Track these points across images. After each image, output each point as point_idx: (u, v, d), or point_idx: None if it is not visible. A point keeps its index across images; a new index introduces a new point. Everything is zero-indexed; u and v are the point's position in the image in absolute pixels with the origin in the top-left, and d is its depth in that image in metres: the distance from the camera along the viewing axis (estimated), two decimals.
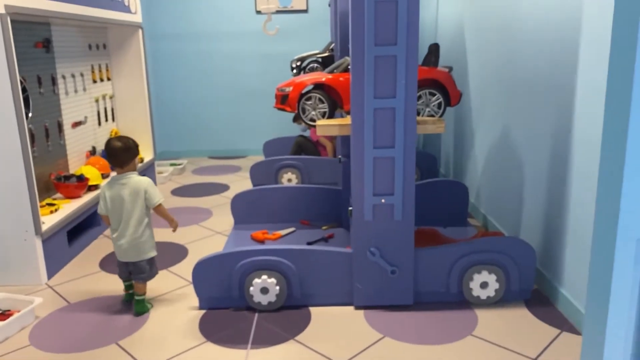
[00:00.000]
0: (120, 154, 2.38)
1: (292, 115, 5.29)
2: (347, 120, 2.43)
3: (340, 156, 3.40)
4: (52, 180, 3.33)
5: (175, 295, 2.64)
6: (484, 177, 3.54)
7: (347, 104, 2.58)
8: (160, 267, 2.88)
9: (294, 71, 4.60)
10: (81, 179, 3.41)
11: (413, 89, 2.19)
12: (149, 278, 2.48)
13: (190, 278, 2.79)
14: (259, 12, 5.61)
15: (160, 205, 2.44)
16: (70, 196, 3.34)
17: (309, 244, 3.15)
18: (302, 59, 4.57)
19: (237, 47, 5.74)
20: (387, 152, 2.25)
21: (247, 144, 5.97)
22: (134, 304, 2.47)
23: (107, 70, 4.35)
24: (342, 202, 3.43)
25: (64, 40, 3.65)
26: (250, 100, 5.89)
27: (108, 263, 3.05)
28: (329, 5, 5.25)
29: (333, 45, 4.50)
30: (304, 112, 2.60)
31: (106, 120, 4.32)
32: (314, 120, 2.60)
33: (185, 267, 2.96)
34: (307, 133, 5.10)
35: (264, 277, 2.39)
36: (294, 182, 4.36)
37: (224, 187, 4.64)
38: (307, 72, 4.51)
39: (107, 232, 3.57)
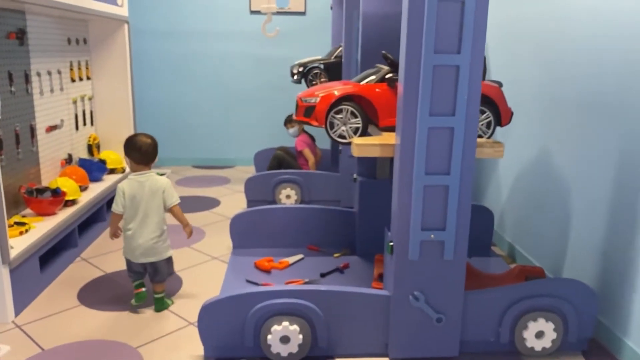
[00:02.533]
0: (152, 150, 2.39)
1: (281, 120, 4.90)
2: (390, 139, 2.07)
3: (355, 175, 3.04)
4: (22, 194, 2.86)
5: (174, 339, 2.22)
6: (510, 202, 3.24)
7: (384, 120, 2.22)
8: (152, 301, 2.47)
9: (295, 77, 4.23)
10: (57, 193, 2.94)
11: (475, 106, 1.85)
12: (168, 277, 2.48)
13: (189, 316, 2.38)
14: (253, 12, 5.21)
15: (176, 206, 2.42)
16: (43, 213, 2.87)
17: (322, 275, 2.77)
18: (304, 65, 4.20)
19: (228, 48, 5.32)
20: (441, 180, 1.89)
21: (235, 153, 5.54)
22: (154, 302, 2.43)
23: (87, 68, 3.88)
24: (355, 226, 3.06)
25: (41, 32, 3.18)
26: (240, 106, 5.47)
27: (88, 294, 2.60)
28: (331, 8, 4.89)
29: (340, 50, 4.15)
30: (332, 127, 2.23)
31: (84, 124, 3.84)
32: (343, 137, 2.23)
33: (182, 302, 2.53)
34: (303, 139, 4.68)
35: (285, 323, 2.00)
36: (294, 199, 3.98)
37: (214, 202, 4.20)
38: (311, 79, 4.14)
39: (85, 254, 3.10)
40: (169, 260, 2.46)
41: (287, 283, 2.65)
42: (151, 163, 2.41)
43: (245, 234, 3.11)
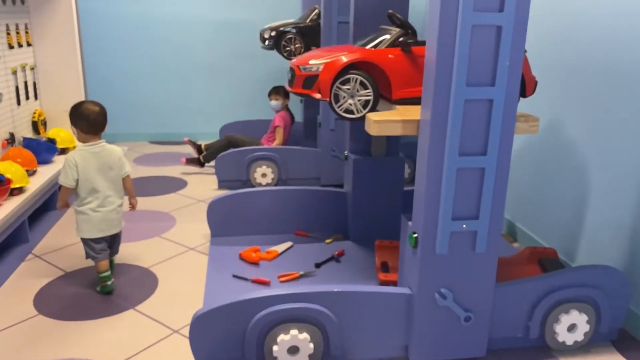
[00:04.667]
0: (101, 118, 2.24)
1: (259, 92, 4.51)
2: (410, 114, 1.78)
3: (346, 152, 2.75)
4: None
5: (157, 352, 1.89)
6: (510, 175, 3.03)
7: (398, 91, 1.92)
8: (125, 305, 2.14)
9: (266, 43, 3.86)
10: (0, 180, 2.49)
11: (517, 74, 1.58)
12: None
13: (172, 323, 2.06)
14: None
15: (128, 176, 2.35)
16: None
17: (317, 266, 2.49)
18: (276, 29, 3.82)
19: (186, 11, 4.81)
20: (477, 161, 1.63)
21: (196, 126, 5.10)
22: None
23: (26, 32, 3.35)
24: (347, 208, 2.79)
25: None
26: (203, 75, 5.00)
27: (47, 299, 2.21)
28: None
29: (316, 13, 3.79)
30: (337, 101, 1.91)
31: (27, 97, 3.34)
32: (350, 112, 1.92)
33: (161, 306, 2.19)
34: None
35: (294, 332, 1.72)
36: (270, 177, 3.65)
37: (180, 183, 3.81)
38: (284, 45, 3.77)
39: (38, 250, 2.68)
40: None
41: (280, 276, 2.36)
42: (101, 132, 2.28)
43: (225, 220, 2.78)
